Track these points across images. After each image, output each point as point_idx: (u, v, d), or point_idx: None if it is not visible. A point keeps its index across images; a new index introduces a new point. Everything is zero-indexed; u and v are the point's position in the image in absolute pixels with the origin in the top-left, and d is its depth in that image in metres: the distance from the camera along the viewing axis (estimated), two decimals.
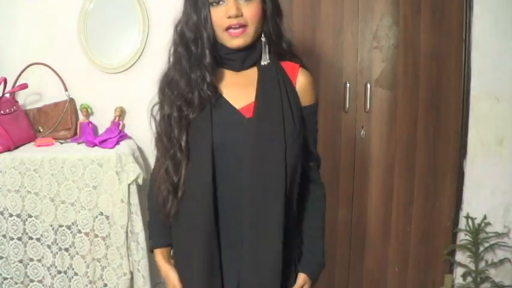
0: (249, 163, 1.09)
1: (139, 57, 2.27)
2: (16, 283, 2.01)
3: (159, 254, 1.28)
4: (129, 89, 2.31)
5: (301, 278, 1.23)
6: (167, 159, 1.15)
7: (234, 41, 1.11)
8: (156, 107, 1.21)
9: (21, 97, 2.26)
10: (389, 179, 2.43)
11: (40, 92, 2.29)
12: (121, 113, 2.27)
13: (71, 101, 2.25)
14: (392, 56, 2.35)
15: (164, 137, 1.15)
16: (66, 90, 2.24)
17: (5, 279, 2.02)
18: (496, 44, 2.33)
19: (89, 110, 2.24)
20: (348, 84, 2.35)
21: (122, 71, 2.28)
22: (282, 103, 1.12)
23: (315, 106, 1.24)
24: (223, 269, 1.14)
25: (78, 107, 2.27)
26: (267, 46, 1.15)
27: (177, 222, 1.18)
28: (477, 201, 2.42)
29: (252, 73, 1.17)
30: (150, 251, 1.32)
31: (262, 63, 1.16)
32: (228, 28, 1.09)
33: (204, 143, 1.09)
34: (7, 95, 2.14)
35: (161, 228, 1.27)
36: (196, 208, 1.12)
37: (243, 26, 1.09)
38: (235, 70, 1.17)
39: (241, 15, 1.08)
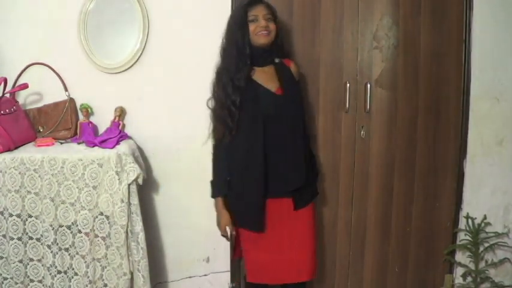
0: (283, 118, 1.91)
1: (139, 57, 2.27)
2: (16, 283, 2.02)
3: (221, 201, 1.95)
4: (129, 89, 2.31)
5: None
6: (224, 111, 1.89)
7: (262, 39, 1.91)
8: (211, 101, 2.01)
9: (21, 97, 2.26)
10: (390, 179, 2.43)
11: (40, 92, 2.29)
12: (121, 113, 2.27)
13: (71, 101, 2.25)
14: (392, 56, 2.35)
15: (222, 95, 1.90)
16: (66, 90, 2.25)
17: (5, 279, 2.02)
18: (496, 44, 2.33)
19: (89, 110, 2.24)
20: (348, 84, 2.35)
21: (122, 71, 2.28)
22: (294, 86, 1.99)
23: (300, 80, 2.11)
24: (270, 173, 1.91)
25: (78, 107, 2.27)
26: (277, 51, 1.98)
27: (237, 153, 1.92)
28: (477, 201, 2.42)
29: (270, 69, 1.97)
30: (212, 197, 1.97)
31: (276, 61, 1.98)
32: (258, 32, 1.90)
33: (257, 109, 1.88)
34: (7, 95, 2.15)
35: (222, 182, 1.94)
36: (254, 142, 1.88)
37: (269, 32, 1.91)
38: (260, 66, 1.95)
39: (268, 26, 1.91)
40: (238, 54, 1.90)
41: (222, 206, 1.95)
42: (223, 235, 1.96)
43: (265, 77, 1.94)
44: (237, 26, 1.92)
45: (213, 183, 1.99)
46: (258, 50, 1.92)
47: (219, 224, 1.97)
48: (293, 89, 1.97)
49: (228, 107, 1.88)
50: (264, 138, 1.88)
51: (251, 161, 1.90)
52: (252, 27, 1.91)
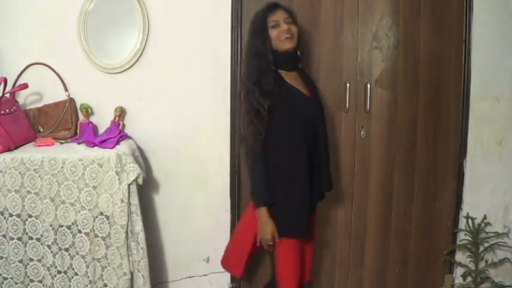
0: (315, 121, 1.95)
1: (139, 57, 2.27)
2: (16, 283, 2.02)
3: (266, 210, 1.85)
4: (129, 89, 2.31)
5: None
6: (250, 114, 1.85)
7: (287, 44, 1.90)
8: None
9: (21, 97, 2.26)
10: (389, 179, 2.44)
11: (40, 92, 2.29)
12: (121, 113, 2.27)
13: (71, 101, 2.25)
14: (392, 56, 2.36)
15: (247, 101, 1.88)
16: (66, 90, 2.25)
17: (5, 279, 2.02)
18: (496, 44, 2.33)
19: (89, 110, 2.24)
20: (348, 84, 2.35)
21: (122, 71, 2.29)
22: (316, 90, 2.05)
23: None
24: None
25: (78, 107, 2.27)
26: (300, 56, 2.00)
27: (278, 157, 1.86)
28: (477, 201, 2.42)
29: (295, 74, 1.97)
30: (258, 207, 1.87)
31: (299, 66, 2.01)
32: (282, 38, 1.89)
33: (297, 111, 1.87)
34: (7, 95, 2.15)
35: (266, 190, 1.85)
36: (297, 145, 1.86)
37: (292, 35, 1.90)
38: (289, 70, 1.94)
39: (290, 29, 1.90)
40: (260, 60, 1.88)
41: (268, 215, 1.85)
42: (267, 245, 1.88)
43: (293, 81, 1.93)
44: (257, 33, 1.92)
45: (256, 193, 1.91)
46: (283, 55, 1.91)
47: (264, 234, 1.86)
48: (317, 93, 2.03)
49: (256, 110, 1.84)
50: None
51: (295, 165, 1.86)
52: (274, 33, 1.89)
